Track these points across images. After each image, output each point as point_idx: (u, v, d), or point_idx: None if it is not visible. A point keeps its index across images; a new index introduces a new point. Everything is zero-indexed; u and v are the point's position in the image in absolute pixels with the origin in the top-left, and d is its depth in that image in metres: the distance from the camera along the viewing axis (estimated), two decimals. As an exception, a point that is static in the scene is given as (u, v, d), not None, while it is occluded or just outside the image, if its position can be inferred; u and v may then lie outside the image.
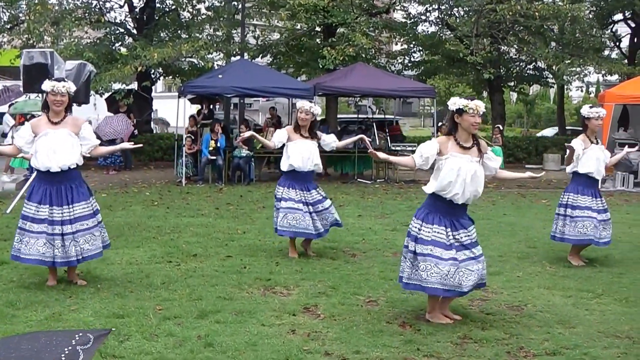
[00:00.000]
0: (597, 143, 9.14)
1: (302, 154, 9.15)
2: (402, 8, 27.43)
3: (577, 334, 6.25)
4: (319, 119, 11.38)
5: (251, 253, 9.52)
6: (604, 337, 6.20)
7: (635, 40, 29.25)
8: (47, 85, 7.39)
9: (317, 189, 9.34)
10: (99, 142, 7.63)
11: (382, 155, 7.06)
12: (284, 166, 9.31)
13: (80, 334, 3.00)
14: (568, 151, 9.01)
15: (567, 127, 35.60)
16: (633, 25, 29.05)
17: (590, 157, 9.04)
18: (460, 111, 6.39)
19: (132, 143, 8.34)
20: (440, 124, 20.61)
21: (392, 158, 7.33)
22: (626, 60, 28.74)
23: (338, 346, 5.81)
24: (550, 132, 39.92)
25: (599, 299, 7.47)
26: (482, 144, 6.55)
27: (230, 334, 6.03)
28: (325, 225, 9.33)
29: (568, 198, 9.20)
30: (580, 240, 9.12)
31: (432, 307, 6.60)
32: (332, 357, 5.60)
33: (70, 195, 7.35)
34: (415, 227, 6.49)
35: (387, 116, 27.87)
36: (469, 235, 6.45)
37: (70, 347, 2.91)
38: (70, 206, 7.33)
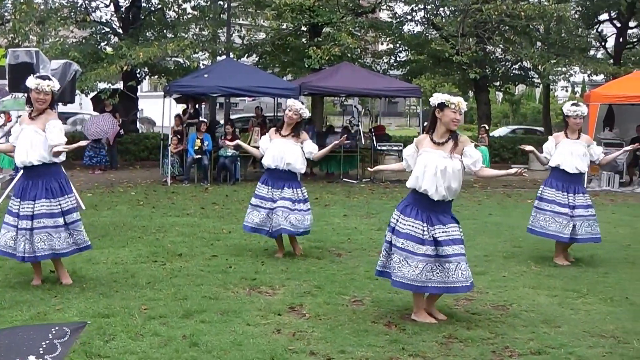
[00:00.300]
0: (579, 138, 9.16)
1: (273, 152, 9.12)
2: (387, 8, 27.51)
3: (562, 334, 6.26)
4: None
5: (237, 252, 9.51)
6: (589, 336, 6.21)
7: (621, 40, 29.42)
8: (31, 82, 7.24)
9: (285, 190, 9.11)
10: (62, 141, 7.30)
11: (375, 168, 7.72)
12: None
13: (57, 328, 3.00)
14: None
15: (521, 127, 35.81)
16: (618, 25, 29.22)
17: (561, 152, 9.11)
18: (442, 106, 6.42)
19: (86, 142, 8.24)
20: (425, 123, 20.61)
21: (382, 167, 7.61)
22: (612, 60, 28.90)
23: (323, 346, 5.81)
24: (504, 131, 40.22)
25: (584, 298, 7.49)
26: (460, 139, 6.50)
27: (215, 334, 6.01)
28: (275, 226, 9.05)
29: (538, 190, 9.37)
30: (544, 234, 9.22)
31: (417, 307, 6.60)
32: (318, 356, 5.59)
33: (34, 191, 7.26)
34: (394, 219, 6.56)
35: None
36: (445, 232, 6.40)
37: (47, 341, 2.91)
38: (32, 202, 7.23)
